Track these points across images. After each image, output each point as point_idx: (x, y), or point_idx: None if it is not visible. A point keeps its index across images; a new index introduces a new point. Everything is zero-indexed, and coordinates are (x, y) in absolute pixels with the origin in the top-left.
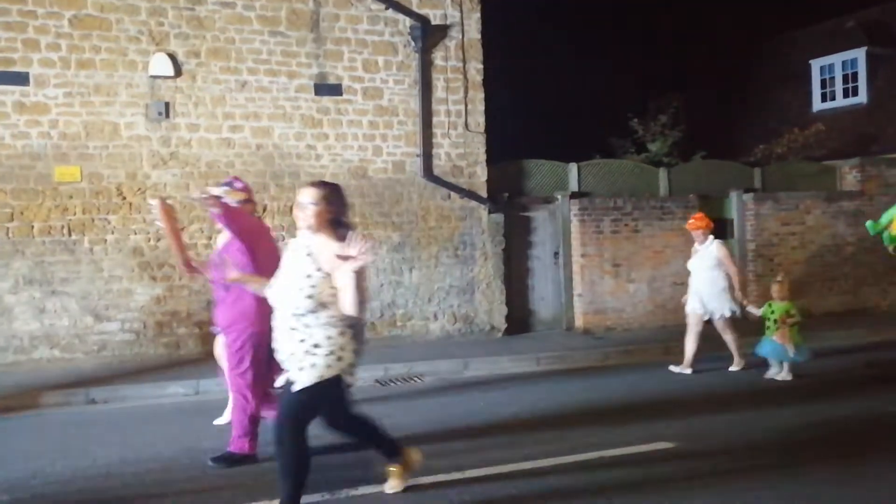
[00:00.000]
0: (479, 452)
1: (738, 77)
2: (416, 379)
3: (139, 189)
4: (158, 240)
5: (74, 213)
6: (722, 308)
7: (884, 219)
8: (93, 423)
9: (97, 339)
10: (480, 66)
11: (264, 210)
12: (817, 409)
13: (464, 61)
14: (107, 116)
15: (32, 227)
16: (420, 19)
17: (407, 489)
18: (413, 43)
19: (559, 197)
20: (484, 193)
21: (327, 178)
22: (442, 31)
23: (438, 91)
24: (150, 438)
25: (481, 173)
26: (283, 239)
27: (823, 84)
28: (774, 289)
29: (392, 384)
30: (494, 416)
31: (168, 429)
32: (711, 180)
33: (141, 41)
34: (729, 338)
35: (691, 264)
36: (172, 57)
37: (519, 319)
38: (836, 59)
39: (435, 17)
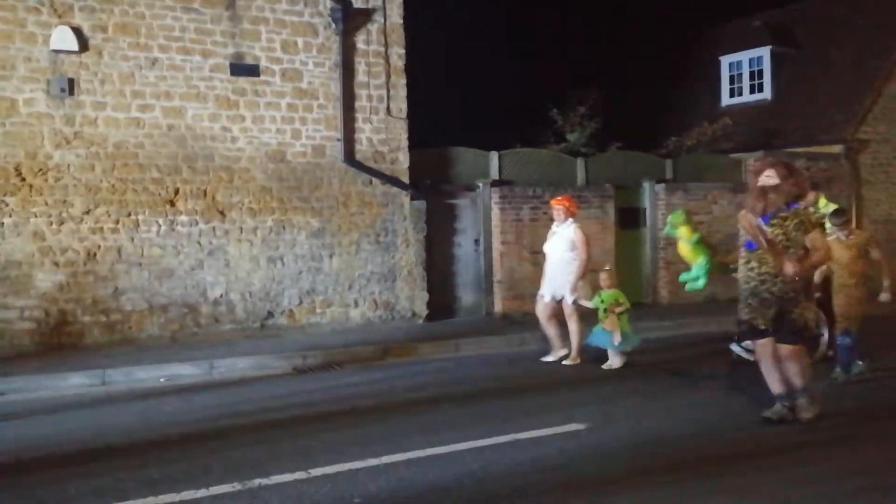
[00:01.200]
0: (396, 438)
1: (653, 71)
2: (335, 366)
3: (40, 170)
4: (62, 223)
5: None
6: (563, 290)
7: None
8: None
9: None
10: (402, 52)
11: (176, 194)
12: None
13: (386, 46)
14: (4, 92)
15: None
16: (341, 1)
17: (322, 476)
18: (334, 25)
19: (480, 185)
20: (406, 180)
21: (243, 162)
22: (363, 14)
23: (360, 75)
24: (48, 431)
25: (403, 159)
26: (197, 223)
27: (732, 80)
28: (602, 277)
29: (311, 372)
30: (412, 402)
31: (68, 421)
32: (626, 170)
33: (41, 12)
34: (574, 328)
35: (547, 246)
36: (77, 31)
37: (440, 306)
38: (744, 56)
39: (356, 0)
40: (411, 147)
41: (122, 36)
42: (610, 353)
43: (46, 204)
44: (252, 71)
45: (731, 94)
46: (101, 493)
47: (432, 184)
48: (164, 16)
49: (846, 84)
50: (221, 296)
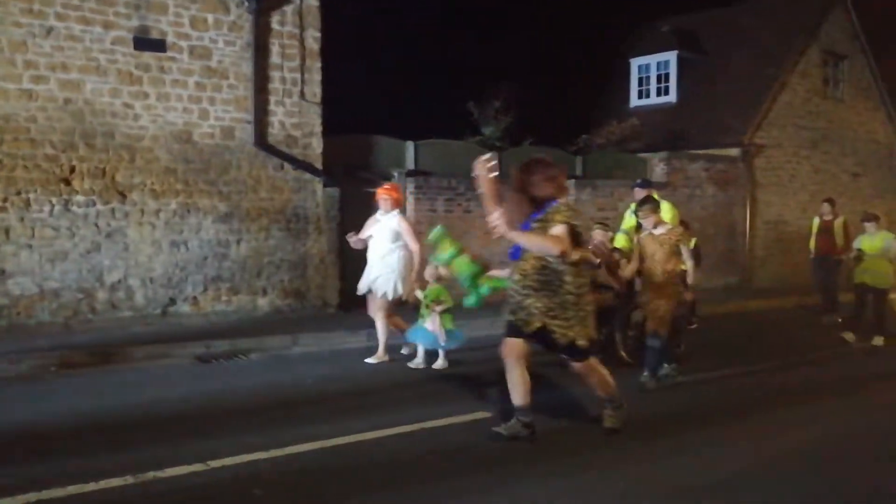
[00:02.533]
0: (302, 427)
1: (566, 69)
2: (240, 356)
3: None
4: None
5: None
6: (386, 286)
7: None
8: None
9: None
10: (318, 35)
11: (72, 171)
12: None
13: (301, 27)
14: None
15: None
16: None
17: (221, 468)
18: (246, 3)
19: (396, 174)
20: (319, 166)
21: (146, 141)
22: None
23: (273, 56)
24: None
25: (316, 145)
26: (94, 204)
27: (640, 82)
28: (428, 271)
29: (214, 361)
30: (320, 392)
31: None
32: None
33: None
34: (380, 325)
35: (365, 234)
36: None
37: (353, 295)
38: (652, 59)
39: None
40: (326, 133)
41: (13, 0)
42: (440, 352)
43: None
44: (158, 46)
45: (640, 96)
46: None
47: (348, 171)
48: None
49: (745, 91)
50: (119, 281)
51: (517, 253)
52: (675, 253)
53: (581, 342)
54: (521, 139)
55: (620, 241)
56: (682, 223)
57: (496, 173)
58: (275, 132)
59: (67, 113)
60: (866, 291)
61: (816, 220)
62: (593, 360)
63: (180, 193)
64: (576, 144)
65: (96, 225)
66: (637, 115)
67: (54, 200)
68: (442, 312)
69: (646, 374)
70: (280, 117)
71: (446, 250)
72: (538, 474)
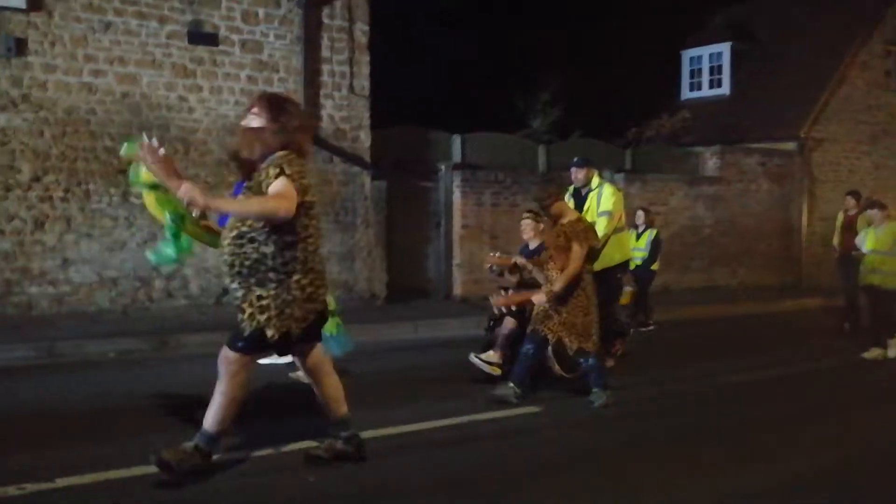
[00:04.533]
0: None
1: (616, 61)
2: None
3: None
4: (8, 189)
5: None
6: None
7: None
8: None
9: None
10: (367, 28)
11: (129, 163)
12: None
13: (350, 21)
14: None
15: None
16: None
17: (270, 454)
18: None
19: (443, 167)
20: (367, 159)
21: (200, 133)
22: None
23: (323, 50)
24: None
25: (365, 138)
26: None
27: (692, 74)
28: None
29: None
30: (367, 383)
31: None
32: None
33: None
34: None
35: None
36: None
37: (399, 287)
38: (704, 51)
39: None
40: (374, 126)
41: None
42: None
43: None
44: (211, 40)
45: (692, 88)
46: None
47: (395, 164)
48: None
49: (802, 83)
50: (175, 271)
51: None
52: (569, 249)
53: (270, 332)
54: (569, 132)
55: None
56: (644, 211)
57: (162, 151)
58: (324, 125)
59: (125, 106)
60: (876, 294)
61: (840, 216)
62: (321, 364)
63: (232, 185)
64: (625, 138)
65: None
66: (688, 108)
67: (113, 191)
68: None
69: (595, 391)
70: (329, 110)
71: (147, 179)
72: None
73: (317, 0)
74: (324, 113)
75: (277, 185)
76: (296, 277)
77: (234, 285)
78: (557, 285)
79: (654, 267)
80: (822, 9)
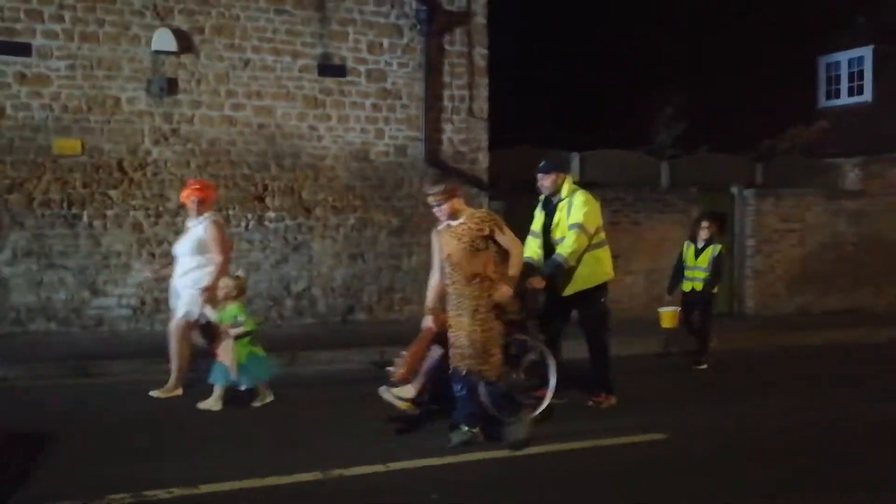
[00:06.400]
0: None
1: (743, 70)
2: None
3: (140, 165)
4: (159, 216)
5: (74, 187)
6: (191, 305)
7: None
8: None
9: (94, 314)
10: (485, 52)
11: (265, 190)
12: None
13: (469, 46)
14: (109, 90)
15: (32, 199)
16: (426, 2)
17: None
18: (419, 26)
19: None
20: (485, 180)
21: (328, 160)
22: (448, 15)
23: (443, 75)
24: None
25: (483, 160)
26: (284, 219)
27: (829, 81)
28: (221, 286)
29: (388, 367)
30: None
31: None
32: (713, 174)
33: (145, 15)
34: (175, 349)
35: (176, 247)
36: (177, 32)
37: (520, 306)
38: (843, 56)
39: (442, 1)
40: (492, 147)
41: (217, 37)
42: (216, 388)
43: (145, 197)
44: (339, 71)
45: (829, 96)
46: None
47: (514, 184)
48: (257, 17)
49: None
50: (304, 290)
51: None
52: (480, 248)
53: None
54: (693, 146)
55: (530, 247)
56: (710, 221)
57: None
58: (444, 148)
59: (261, 136)
60: None
61: None
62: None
63: (358, 209)
64: (756, 150)
65: (285, 238)
66: (826, 117)
67: (250, 216)
68: (239, 337)
69: (461, 427)
70: (448, 134)
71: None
72: None
73: (438, 28)
74: (443, 136)
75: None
76: None
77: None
78: (512, 270)
79: (716, 290)
80: None
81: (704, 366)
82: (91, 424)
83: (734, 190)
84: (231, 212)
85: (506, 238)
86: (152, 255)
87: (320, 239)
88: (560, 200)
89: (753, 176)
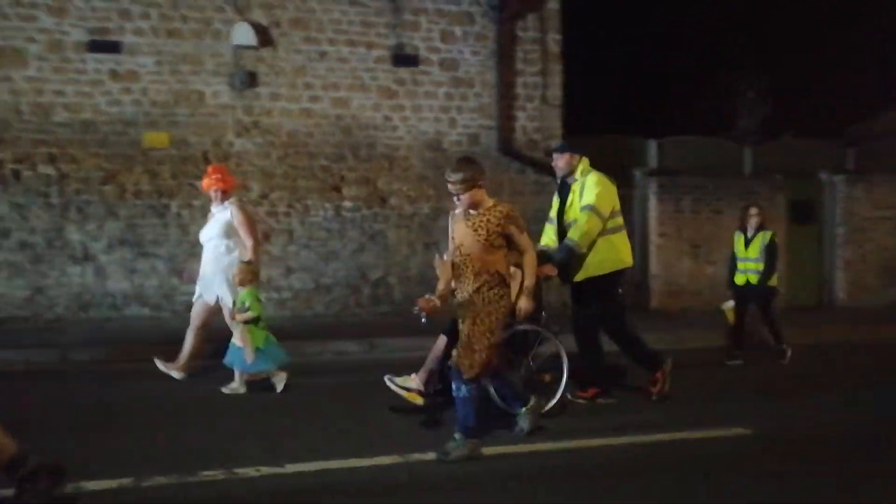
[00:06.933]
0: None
1: (831, 50)
2: None
3: (223, 156)
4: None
5: (164, 178)
6: (222, 289)
7: None
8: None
9: (184, 300)
10: (559, 38)
11: (341, 180)
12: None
13: (543, 32)
14: (193, 85)
15: (125, 190)
16: None
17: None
18: (491, 13)
19: (637, 174)
20: None
21: (402, 150)
22: (521, 1)
23: (516, 62)
24: None
25: None
26: (360, 209)
27: None
28: (234, 272)
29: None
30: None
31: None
32: (799, 160)
33: (226, 11)
34: (192, 330)
35: (202, 233)
36: (256, 27)
37: None
38: None
39: None
40: (566, 135)
41: (295, 31)
42: (237, 374)
43: None
44: (412, 61)
45: None
46: None
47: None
48: (332, 10)
49: None
50: (381, 279)
51: None
52: (496, 245)
53: None
54: (778, 132)
55: (546, 234)
56: (758, 208)
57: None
58: (516, 137)
59: (338, 128)
60: None
61: None
62: None
63: (431, 199)
64: (847, 136)
65: (362, 228)
66: None
67: (327, 206)
68: (249, 322)
69: (456, 437)
70: (521, 122)
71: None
72: None
73: (510, 14)
74: (516, 124)
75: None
76: None
77: None
78: (528, 280)
79: (773, 282)
80: None
81: (788, 353)
82: (181, 404)
83: (823, 176)
84: (309, 202)
85: (523, 240)
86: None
87: (395, 228)
88: (574, 182)
89: (844, 162)
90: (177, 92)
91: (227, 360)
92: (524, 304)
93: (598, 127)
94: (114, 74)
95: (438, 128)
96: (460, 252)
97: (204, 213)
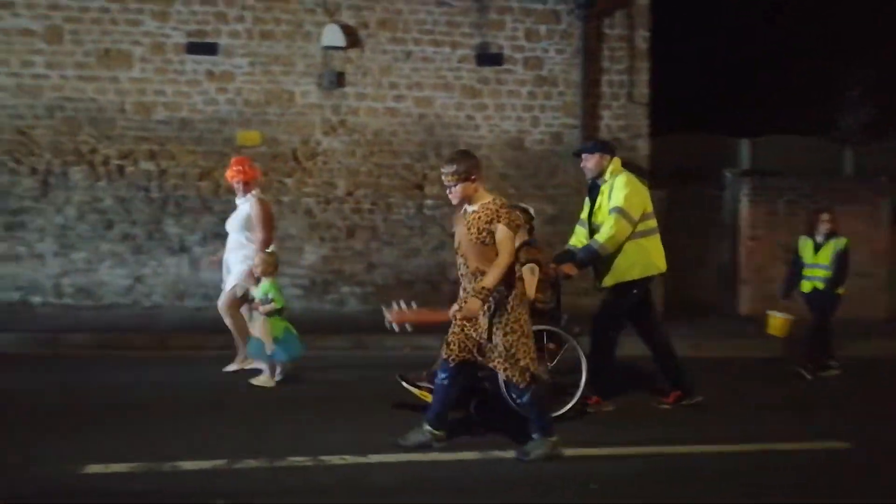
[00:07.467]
0: (635, 432)
1: None
2: None
3: (311, 154)
4: (328, 203)
5: None
6: (239, 280)
7: None
8: None
9: None
10: (648, 34)
11: (424, 178)
12: None
13: (630, 29)
14: (284, 85)
15: (218, 186)
16: None
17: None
18: (577, 10)
19: (728, 174)
20: (646, 167)
21: (484, 149)
22: None
23: (601, 60)
24: None
25: (643, 147)
26: (441, 207)
27: None
28: (256, 262)
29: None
30: (644, 398)
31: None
32: None
33: (316, 13)
34: (230, 323)
35: (227, 224)
36: (344, 28)
37: (678, 302)
38: None
39: None
40: (653, 134)
41: (382, 31)
42: (266, 366)
43: (315, 185)
44: (496, 60)
45: None
46: None
47: (676, 172)
48: (418, 10)
49: None
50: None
51: None
52: (487, 243)
53: None
54: (884, 133)
55: (575, 235)
56: (830, 214)
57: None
58: (601, 135)
59: (421, 127)
60: None
61: None
62: None
63: (511, 197)
64: None
65: (442, 226)
66: None
67: (410, 204)
68: (270, 314)
69: (534, 438)
70: (607, 120)
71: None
72: None
73: (597, 12)
74: (601, 123)
75: None
76: None
77: None
78: (488, 279)
79: (841, 291)
80: None
81: (836, 371)
82: (269, 392)
83: None
84: (392, 200)
85: (504, 240)
86: (321, 238)
87: None
88: (604, 183)
89: None
90: (268, 92)
91: (249, 352)
92: (468, 307)
93: (687, 125)
94: (210, 75)
95: (521, 127)
96: (460, 250)
97: (292, 209)
